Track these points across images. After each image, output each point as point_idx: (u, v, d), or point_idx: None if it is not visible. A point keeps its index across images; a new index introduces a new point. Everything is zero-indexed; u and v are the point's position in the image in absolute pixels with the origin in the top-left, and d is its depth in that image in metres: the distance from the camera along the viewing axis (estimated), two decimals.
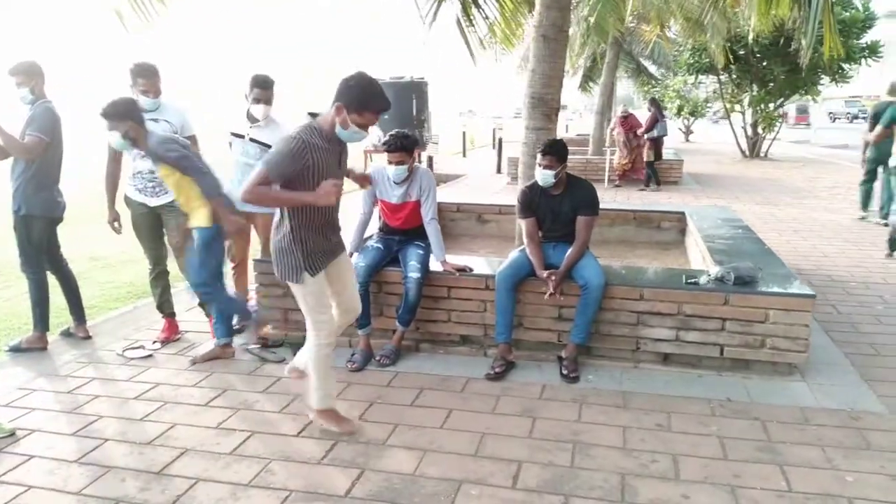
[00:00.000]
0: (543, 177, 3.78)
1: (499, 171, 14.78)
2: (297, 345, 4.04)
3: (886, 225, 6.90)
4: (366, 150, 13.17)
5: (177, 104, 4.16)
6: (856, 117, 40.43)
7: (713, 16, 10.71)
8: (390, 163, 3.85)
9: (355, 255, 4.03)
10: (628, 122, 12.04)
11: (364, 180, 3.37)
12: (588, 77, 20.19)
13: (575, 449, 2.92)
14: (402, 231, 4.08)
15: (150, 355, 4.06)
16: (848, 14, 14.85)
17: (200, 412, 3.31)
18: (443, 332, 4.05)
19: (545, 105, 4.89)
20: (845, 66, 15.47)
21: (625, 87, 31.68)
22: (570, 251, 3.75)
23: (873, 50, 15.05)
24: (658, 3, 12.80)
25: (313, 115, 2.78)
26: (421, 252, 3.97)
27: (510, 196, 10.62)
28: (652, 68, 22.97)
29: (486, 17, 6.86)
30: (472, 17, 6.59)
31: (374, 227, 4.25)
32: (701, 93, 24.75)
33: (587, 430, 3.08)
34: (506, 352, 3.77)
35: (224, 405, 3.38)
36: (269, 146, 4.36)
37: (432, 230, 3.97)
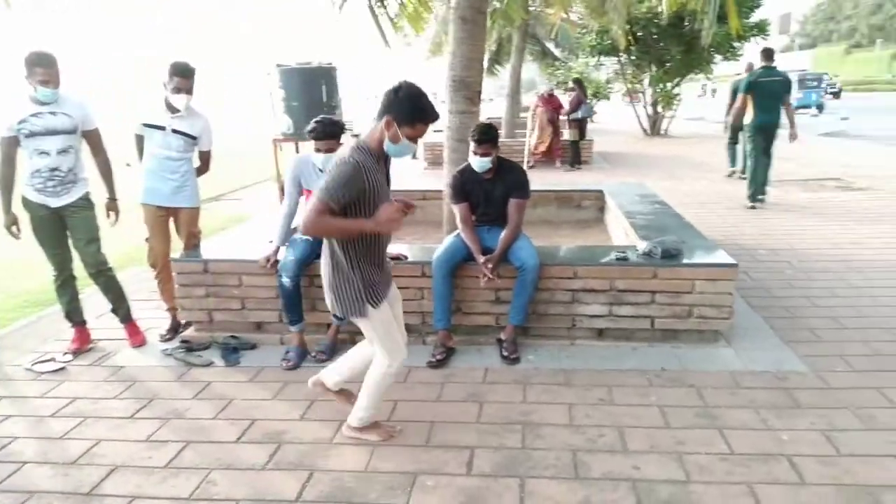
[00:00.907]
0: (480, 164, 3.76)
1: (414, 156, 14.68)
2: (225, 346, 3.86)
3: (744, 177, 8.54)
4: (275, 139, 12.73)
5: (77, 97, 3.81)
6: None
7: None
8: (318, 151, 3.70)
9: (283, 248, 3.87)
10: (553, 101, 12.28)
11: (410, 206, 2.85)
12: (495, 60, 20.37)
13: (525, 430, 2.94)
14: None
15: (62, 368, 3.75)
16: None
17: (126, 425, 3.08)
18: None
19: (467, 88, 4.86)
20: (736, 44, 16.39)
21: (530, 69, 32.28)
22: (504, 234, 3.75)
23: (761, 28, 15.99)
24: None
25: (356, 134, 2.61)
26: None
27: (431, 181, 10.67)
28: (556, 51, 23.45)
29: (401, 2, 6.77)
30: (385, 1, 6.47)
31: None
32: (602, 74, 25.54)
33: (534, 411, 3.11)
34: (446, 338, 3.74)
35: (152, 416, 3.17)
36: (194, 137, 4.10)
37: None
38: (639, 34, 16.44)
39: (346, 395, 3.08)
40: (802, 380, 3.34)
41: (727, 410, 3.06)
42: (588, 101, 12.47)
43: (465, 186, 3.87)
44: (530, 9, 14.82)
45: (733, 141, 10.24)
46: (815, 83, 27.50)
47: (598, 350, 3.75)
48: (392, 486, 2.55)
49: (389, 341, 2.73)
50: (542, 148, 12.18)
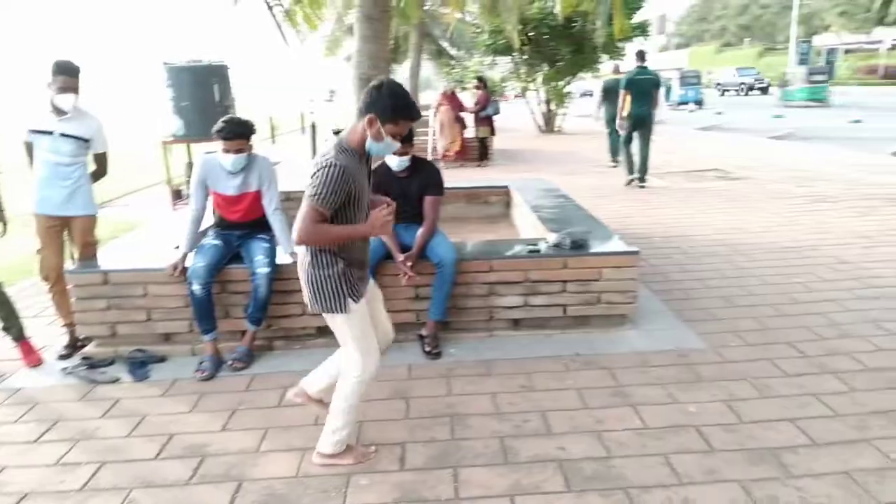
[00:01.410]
0: (400, 163, 3.79)
1: (314, 156, 14.45)
2: (131, 360, 3.67)
3: (615, 165, 10.44)
4: (164, 141, 12.15)
5: None
6: (752, 88, 37.79)
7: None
8: (227, 151, 3.59)
9: (191, 255, 3.72)
10: (456, 99, 12.44)
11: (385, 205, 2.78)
12: (392, 59, 20.41)
13: (453, 421, 3.00)
14: (242, 224, 3.83)
15: None
16: None
17: (31, 450, 2.87)
18: (298, 326, 3.90)
19: None
20: (619, 44, 17.26)
21: (425, 68, 32.57)
22: (420, 231, 3.80)
23: (643, 29, 16.97)
24: None
25: (336, 132, 2.46)
26: (266, 245, 3.77)
27: None
28: (452, 50, 23.77)
29: None
30: None
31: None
32: (496, 73, 26.16)
33: (460, 402, 3.17)
34: None
35: (59, 438, 2.97)
36: (86, 139, 3.85)
37: (277, 221, 3.78)
38: (531, 34, 16.96)
39: (320, 402, 2.92)
40: (702, 355, 3.61)
41: (638, 388, 3.26)
42: (494, 98, 12.80)
43: (382, 184, 3.86)
44: (426, 8, 14.94)
45: (615, 134, 10.87)
46: (695, 80, 29.51)
47: (516, 339, 3.88)
48: (325, 488, 2.54)
49: (365, 341, 2.59)
50: (456, 148, 12.25)
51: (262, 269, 3.64)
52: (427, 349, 3.71)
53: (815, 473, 2.52)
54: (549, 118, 19.13)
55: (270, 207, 3.78)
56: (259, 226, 3.84)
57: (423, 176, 3.88)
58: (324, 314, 2.57)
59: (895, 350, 3.58)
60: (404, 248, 3.79)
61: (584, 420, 2.98)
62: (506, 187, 6.28)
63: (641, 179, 9.18)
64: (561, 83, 18.46)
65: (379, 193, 3.84)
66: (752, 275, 4.99)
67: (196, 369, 3.59)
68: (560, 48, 17.23)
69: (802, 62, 39.43)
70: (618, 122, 9.41)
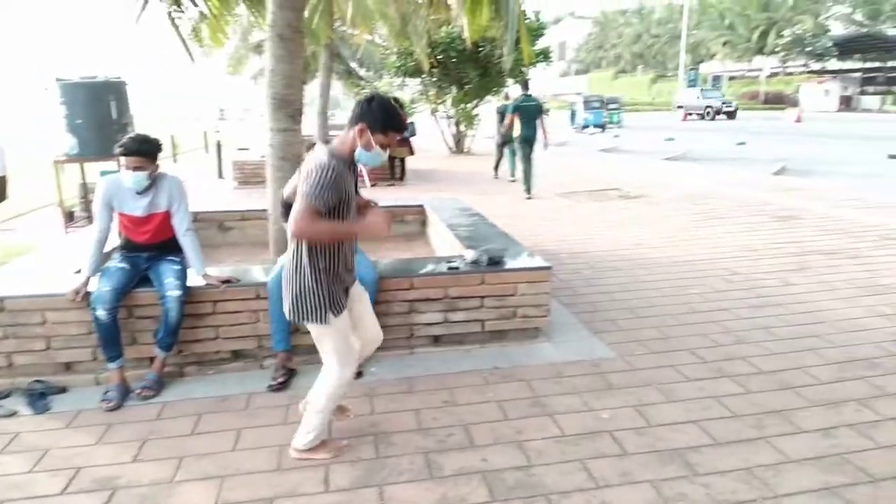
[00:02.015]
0: None
1: (221, 175, 14.06)
2: (29, 392, 3.44)
3: (514, 180, 11.55)
4: (56, 160, 11.47)
5: None
6: (719, 112, 35.33)
7: (416, 23, 11.55)
8: (126, 168, 3.45)
9: (95, 279, 3.54)
10: None
11: (367, 206, 2.85)
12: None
13: (376, 440, 3.00)
14: (151, 246, 3.68)
15: None
16: (526, 23, 17.19)
17: None
18: (210, 350, 3.78)
19: (288, 106, 4.82)
20: (523, 69, 17.90)
21: (334, 88, 32.42)
22: None
23: (546, 55, 17.70)
24: (364, 9, 13.33)
25: (326, 141, 2.55)
26: (177, 267, 3.64)
27: (244, 201, 10.26)
28: (361, 71, 23.81)
29: (202, 12, 6.51)
30: (184, 11, 6.21)
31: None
32: (406, 94, 26.42)
33: (383, 420, 3.18)
34: (286, 360, 3.67)
35: None
36: None
37: (189, 242, 3.67)
38: (440, 57, 17.30)
39: (340, 409, 3.11)
40: (612, 364, 3.79)
41: (555, 398, 3.38)
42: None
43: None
44: (336, 28, 14.94)
45: (511, 151, 12.46)
46: (598, 105, 30.96)
47: (436, 355, 3.93)
48: None
49: (344, 351, 2.72)
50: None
51: (173, 293, 3.51)
52: None
53: (719, 471, 2.71)
54: (458, 139, 19.49)
55: (181, 228, 3.66)
56: (169, 247, 3.71)
57: None
58: (301, 321, 2.65)
59: (784, 354, 3.90)
60: None
61: (505, 431, 3.05)
62: (421, 206, 6.37)
63: (528, 188, 10.50)
64: (469, 105, 18.90)
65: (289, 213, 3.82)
66: (653, 287, 5.29)
67: (102, 399, 3.40)
68: (468, 72, 17.66)
69: (691, 87, 42.30)
70: (496, 139, 11.27)
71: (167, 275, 3.57)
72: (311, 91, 16.85)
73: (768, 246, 6.61)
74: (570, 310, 4.77)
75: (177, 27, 6.09)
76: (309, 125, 18.46)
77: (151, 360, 3.63)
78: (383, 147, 2.57)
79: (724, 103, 36.15)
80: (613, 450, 2.88)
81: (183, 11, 6.19)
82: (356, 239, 2.74)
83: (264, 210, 5.22)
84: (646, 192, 10.50)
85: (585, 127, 29.71)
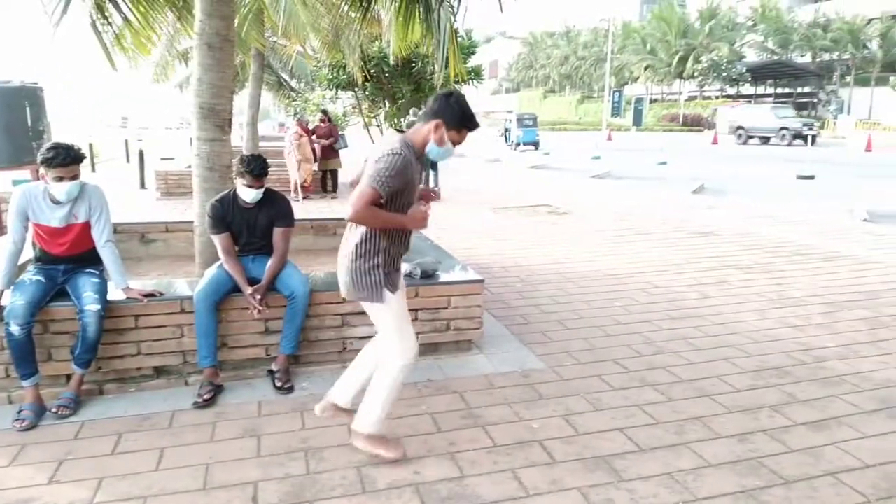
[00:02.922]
0: (253, 195, 3.71)
1: (143, 185, 13.55)
2: None
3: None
4: None
5: None
6: (798, 136, 29.44)
7: (349, 37, 11.55)
8: (61, 179, 3.30)
9: (8, 292, 3.35)
10: (315, 130, 12.49)
11: (432, 197, 2.96)
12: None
13: (308, 456, 2.95)
14: (68, 258, 3.52)
15: None
16: (458, 41, 17.47)
17: None
18: (132, 367, 3.63)
19: (216, 115, 4.72)
20: (456, 86, 18.18)
21: (264, 99, 31.90)
22: (270, 263, 3.73)
23: (477, 73, 18.01)
24: (296, 21, 13.23)
25: (400, 131, 2.55)
26: (96, 280, 3.49)
27: (167, 212, 9.95)
28: (293, 82, 23.55)
29: (125, 18, 6.30)
30: (108, 17, 5.98)
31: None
32: (339, 107, 26.27)
33: (315, 436, 3.13)
34: (212, 375, 3.57)
35: None
36: None
37: (109, 253, 3.53)
38: (372, 71, 17.33)
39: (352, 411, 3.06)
40: (542, 375, 3.87)
41: (487, 409, 3.42)
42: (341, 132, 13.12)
43: (227, 215, 3.76)
44: (266, 38, 14.73)
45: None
46: (531, 122, 31.58)
47: None
48: None
49: (403, 328, 2.77)
50: (310, 179, 12.11)
51: (92, 307, 3.35)
52: (278, 384, 3.62)
53: (643, 476, 2.81)
54: None
55: (101, 239, 3.52)
56: (87, 259, 3.56)
57: (272, 207, 3.82)
58: (363, 304, 2.76)
59: (703, 363, 4.09)
60: (252, 282, 3.69)
61: (439, 443, 3.07)
62: None
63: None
64: (403, 120, 18.99)
65: (223, 225, 3.75)
66: (580, 300, 5.44)
67: (15, 419, 3.20)
68: (400, 86, 17.78)
69: (615, 109, 43.95)
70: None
71: (86, 288, 3.42)
72: (241, 102, 16.51)
73: (688, 261, 6.92)
74: (502, 322, 4.84)
75: (99, 33, 5.87)
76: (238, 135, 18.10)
77: (68, 377, 3.46)
78: (454, 144, 2.66)
79: (805, 125, 30.25)
80: (543, 458, 2.94)
81: (107, 18, 5.96)
82: (408, 228, 2.77)
83: (190, 222, 5.06)
84: (574, 209, 10.80)
85: (518, 144, 30.30)
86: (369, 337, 3.88)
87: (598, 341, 4.47)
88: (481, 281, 4.17)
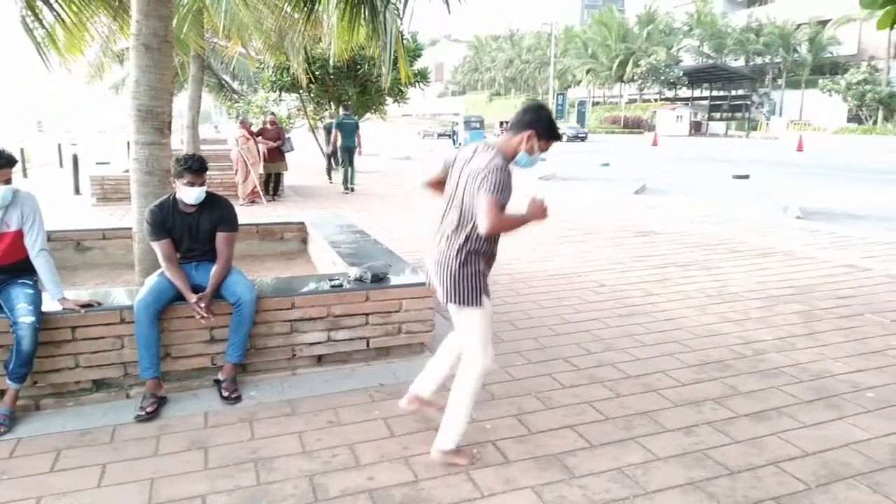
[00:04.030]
0: (198, 196, 3.60)
1: (78, 191, 13.03)
2: None
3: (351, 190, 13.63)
4: None
5: None
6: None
7: (293, 38, 11.36)
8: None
9: None
10: (262, 132, 12.30)
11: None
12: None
13: (258, 466, 2.88)
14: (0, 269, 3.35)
15: None
16: (404, 43, 17.44)
17: None
18: (70, 380, 3.47)
19: (155, 118, 4.57)
20: (402, 88, 18.14)
21: (205, 101, 31.15)
22: (214, 269, 3.63)
23: (423, 76, 18.04)
24: (238, 22, 12.94)
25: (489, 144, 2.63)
26: (30, 291, 3.33)
27: (104, 218, 9.59)
28: (235, 84, 23.05)
29: (58, 16, 6.05)
30: (39, 14, 5.74)
31: None
32: (284, 109, 25.87)
33: (265, 446, 3.06)
34: (155, 387, 3.44)
35: None
36: None
37: (43, 263, 3.36)
38: (317, 73, 17.14)
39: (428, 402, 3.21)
40: (493, 375, 3.86)
41: (440, 412, 3.41)
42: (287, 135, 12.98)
43: (167, 221, 3.64)
44: (207, 39, 14.38)
45: (332, 161, 15.65)
46: (478, 125, 31.84)
47: (320, 376, 3.85)
48: None
49: (488, 338, 2.89)
50: (258, 183, 11.79)
51: (26, 319, 3.19)
52: (225, 394, 3.52)
53: (594, 472, 2.85)
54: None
55: (35, 248, 3.35)
56: (20, 269, 3.39)
57: (214, 211, 3.72)
58: (458, 308, 2.84)
59: (649, 359, 4.19)
60: (196, 289, 3.58)
61: (392, 448, 3.05)
62: (302, 223, 6.24)
63: (351, 188, 13.43)
64: (321, 122, 18.82)
65: (163, 231, 3.63)
66: (530, 300, 5.50)
67: None
68: (346, 88, 17.64)
69: (560, 112, 44.77)
70: (326, 150, 15.00)
71: (19, 299, 3.25)
72: (181, 104, 16.07)
73: (632, 259, 7.09)
74: (452, 323, 4.84)
75: (31, 32, 5.62)
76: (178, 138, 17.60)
77: (2, 392, 3.28)
78: (541, 152, 2.83)
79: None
80: (497, 459, 2.95)
81: (38, 16, 5.71)
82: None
83: (129, 228, 4.89)
84: (521, 210, 10.89)
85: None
86: (319, 343, 3.87)
87: (548, 340, 4.52)
88: None
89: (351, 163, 13.55)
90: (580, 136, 43.23)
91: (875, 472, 2.83)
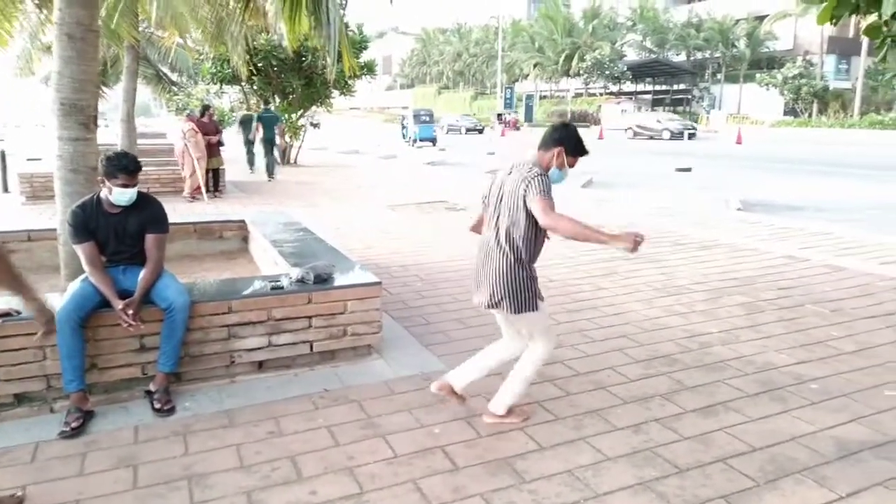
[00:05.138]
0: (129, 197, 3.39)
1: (6, 189, 12.35)
2: None
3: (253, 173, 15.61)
4: None
5: None
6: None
7: (232, 28, 10.97)
8: None
9: None
10: (205, 126, 11.79)
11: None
12: (101, 82, 18.37)
13: (191, 484, 2.72)
14: None
15: None
16: (349, 35, 17.10)
17: None
18: None
19: (80, 112, 4.30)
20: (349, 81, 17.81)
21: (142, 94, 30.03)
22: (143, 273, 3.42)
23: (370, 68, 17.73)
24: (173, 11, 12.44)
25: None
26: None
27: (33, 218, 9.09)
28: (173, 76, 22.27)
29: None
30: None
31: None
32: (226, 102, 25.14)
33: (199, 461, 2.89)
34: (80, 401, 3.22)
35: None
36: None
37: None
38: (260, 65, 16.68)
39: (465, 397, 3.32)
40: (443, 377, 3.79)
41: (387, 417, 3.30)
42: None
43: (90, 222, 3.41)
44: (141, 29, 13.80)
45: (252, 152, 16.32)
46: (428, 118, 31.53)
47: (261, 382, 3.68)
48: None
49: (550, 330, 3.19)
50: (202, 180, 11.33)
51: None
52: (157, 406, 3.32)
53: (544, 476, 2.79)
54: (284, 150, 18.90)
55: None
56: None
57: (143, 211, 3.50)
58: (517, 316, 3.03)
59: (598, 355, 4.17)
60: (123, 295, 3.36)
61: (336, 458, 2.92)
62: (242, 221, 6.01)
63: (271, 175, 14.61)
64: (294, 116, 18.41)
65: (86, 234, 3.40)
66: None
67: None
68: (291, 81, 17.21)
69: (507, 106, 44.98)
70: (254, 137, 15.46)
71: None
72: (115, 97, 15.41)
73: (580, 254, 7.09)
74: (401, 324, 4.73)
75: None
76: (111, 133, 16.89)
77: None
78: (570, 167, 3.04)
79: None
80: (445, 465, 2.86)
81: None
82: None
83: (54, 230, 4.60)
84: (471, 204, 10.85)
85: (416, 141, 30.20)
86: (259, 349, 3.70)
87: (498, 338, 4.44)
88: (378, 283, 4.03)
89: (271, 153, 14.93)
90: (477, 128, 44.21)
91: (821, 466, 2.85)
